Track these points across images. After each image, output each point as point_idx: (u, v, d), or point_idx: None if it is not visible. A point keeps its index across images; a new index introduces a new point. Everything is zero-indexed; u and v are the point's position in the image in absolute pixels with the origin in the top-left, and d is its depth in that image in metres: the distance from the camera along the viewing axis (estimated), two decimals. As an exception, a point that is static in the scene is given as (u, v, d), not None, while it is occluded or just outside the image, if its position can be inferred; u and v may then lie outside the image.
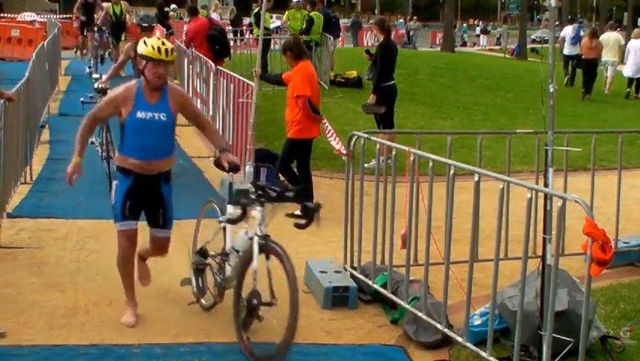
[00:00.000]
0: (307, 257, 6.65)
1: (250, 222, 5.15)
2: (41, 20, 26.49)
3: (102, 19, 17.88)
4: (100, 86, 8.82)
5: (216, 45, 13.64)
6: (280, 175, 8.97)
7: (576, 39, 20.64)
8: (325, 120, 8.28)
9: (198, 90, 12.97)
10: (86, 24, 19.49)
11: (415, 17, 46.89)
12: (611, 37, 20.53)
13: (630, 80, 20.11)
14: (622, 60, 20.47)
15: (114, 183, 5.58)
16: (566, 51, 20.87)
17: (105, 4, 19.41)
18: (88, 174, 8.06)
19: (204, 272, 5.77)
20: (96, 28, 17.94)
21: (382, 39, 10.85)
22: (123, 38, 17.10)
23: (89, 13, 19.56)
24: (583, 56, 19.60)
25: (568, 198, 4.30)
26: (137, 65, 8.31)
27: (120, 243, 5.57)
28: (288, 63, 8.53)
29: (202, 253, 5.82)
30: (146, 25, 9.18)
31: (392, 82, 10.78)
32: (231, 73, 10.62)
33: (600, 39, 20.03)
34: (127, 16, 17.72)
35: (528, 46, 38.02)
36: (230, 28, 20.66)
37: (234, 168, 5.64)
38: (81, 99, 9.09)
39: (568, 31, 21.21)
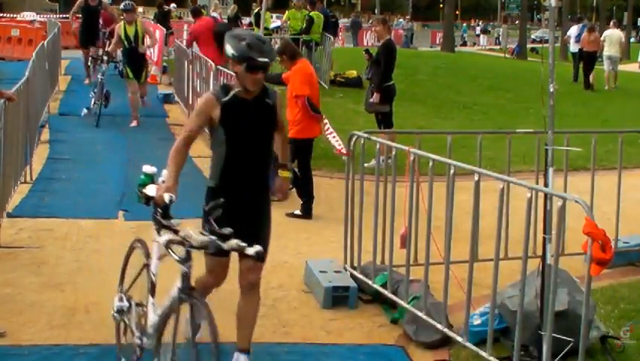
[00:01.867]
0: (307, 257, 6.65)
1: None
2: (41, 20, 26.47)
3: (112, 45, 13.06)
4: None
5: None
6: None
7: (579, 37, 22.35)
8: (326, 120, 8.28)
9: (198, 90, 12.96)
10: (87, 38, 15.47)
11: (407, 17, 46.85)
12: (614, 33, 22.20)
13: None
14: (623, 56, 22.71)
15: None
16: (572, 49, 22.85)
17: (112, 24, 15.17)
18: (89, 174, 8.10)
19: None
20: (105, 57, 12.95)
21: (386, 38, 10.84)
22: (142, 79, 12.90)
23: (92, 23, 15.54)
24: (583, 49, 21.73)
25: (568, 198, 4.30)
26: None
27: None
28: (285, 67, 8.52)
29: None
30: (264, 63, 4.38)
31: (392, 82, 10.79)
32: (231, 73, 10.61)
33: (603, 36, 22.12)
34: (147, 40, 12.69)
35: (528, 46, 38.05)
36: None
37: None
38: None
39: (573, 30, 23.21)
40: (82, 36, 15.95)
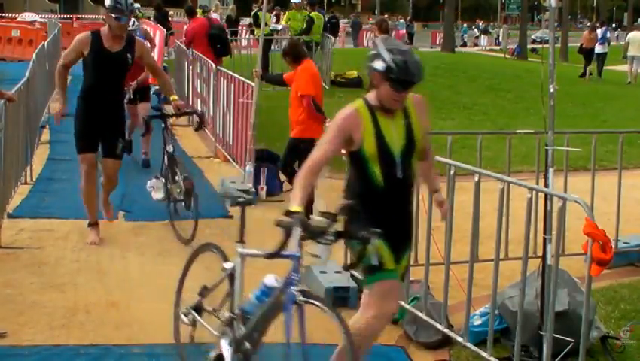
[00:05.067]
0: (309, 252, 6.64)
1: None
2: (42, 20, 26.49)
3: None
4: None
5: (217, 44, 13.65)
6: (281, 175, 8.98)
7: (603, 39, 25.39)
8: (329, 120, 8.28)
9: (198, 90, 12.97)
10: (94, 133, 6.82)
11: (386, 15, 46.55)
12: (637, 35, 24.80)
13: None
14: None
15: None
16: (596, 50, 25.24)
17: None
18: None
19: None
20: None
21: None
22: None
23: (112, 91, 6.85)
24: (583, 45, 25.49)
25: (569, 198, 4.30)
26: None
27: None
28: (290, 67, 8.50)
29: None
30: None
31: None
32: (231, 73, 10.63)
33: (627, 37, 25.40)
34: None
35: (529, 46, 38.02)
36: (227, 29, 20.62)
37: None
38: None
39: (597, 32, 25.63)
40: (82, 132, 6.83)
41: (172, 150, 7.54)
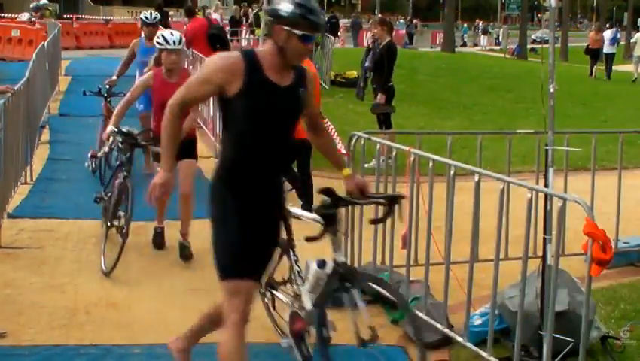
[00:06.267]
0: (307, 257, 6.64)
1: None
2: (42, 20, 26.45)
3: None
4: None
5: (217, 44, 13.65)
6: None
7: (614, 40, 26.59)
8: (327, 120, 8.28)
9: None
10: (256, 214, 4.10)
11: (381, 15, 46.47)
12: None
13: None
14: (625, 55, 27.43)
15: None
16: (605, 50, 26.61)
17: None
18: (89, 174, 8.07)
19: None
20: None
21: (387, 39, 10.85)
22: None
23: (280, 137, 3.97)
24: (589, 46, 26.66)
25: (569, 198, 4.30)
26: None
27: None
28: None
29: None
30: None
31: (390, 83, 10.83)
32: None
33: (635, 37, 26.63)
34: None
35: (529, 46, 38.06)
36: (229, 28, 20.62)
37: None
38: None
39: (607, 34, 26.98)
40: (243, 242, 4.04)
41: (343, 259, 4.59)
